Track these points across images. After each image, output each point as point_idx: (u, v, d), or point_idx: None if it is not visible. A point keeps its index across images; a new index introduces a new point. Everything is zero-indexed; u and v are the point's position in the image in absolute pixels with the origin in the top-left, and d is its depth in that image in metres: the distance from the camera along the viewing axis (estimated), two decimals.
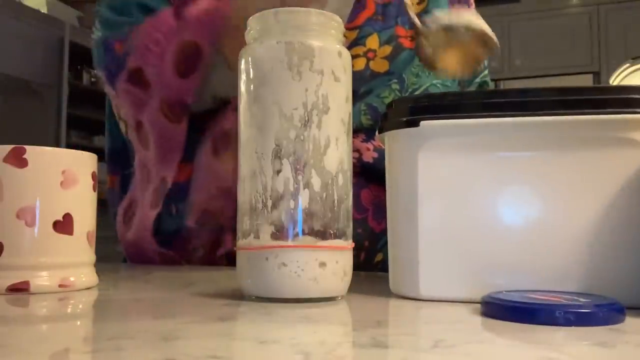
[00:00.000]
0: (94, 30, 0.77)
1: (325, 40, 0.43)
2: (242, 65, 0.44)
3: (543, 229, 0.41)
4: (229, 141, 0.69)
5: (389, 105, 0.46)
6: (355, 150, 0.71)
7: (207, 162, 0.70)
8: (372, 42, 0.75)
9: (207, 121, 0.72)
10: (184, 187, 0.71)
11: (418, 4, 0.79)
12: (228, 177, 0.67)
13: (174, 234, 0.73)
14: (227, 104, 0.71)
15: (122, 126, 0.80)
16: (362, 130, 0.73)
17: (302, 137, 0.41)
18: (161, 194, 0.72)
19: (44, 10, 3.27)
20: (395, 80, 0.74)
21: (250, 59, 0.43)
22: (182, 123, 0.69)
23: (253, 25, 0.44)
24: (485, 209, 0.42)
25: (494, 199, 0.42)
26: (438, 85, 0.77)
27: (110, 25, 0.75)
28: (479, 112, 0.41)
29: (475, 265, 0.42)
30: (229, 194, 0.66)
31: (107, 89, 0.74)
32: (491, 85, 0.91)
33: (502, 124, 0.41)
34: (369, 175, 0.71)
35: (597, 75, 4.03)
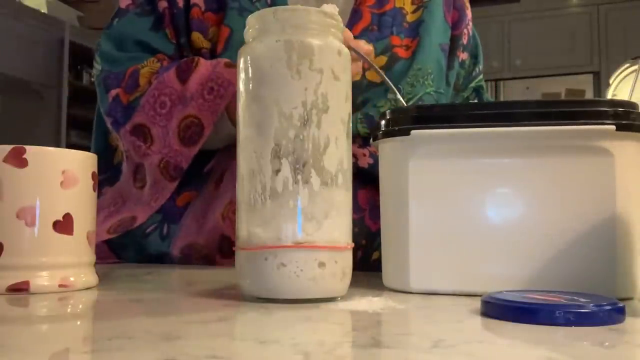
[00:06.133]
0: (94, 64, 0.80)
1: (325, 38, 0.43)
2: (241, 64, 0.44)
3: (523, 228, 0.45)
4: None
5: (382, 116, 0.50)
6: (352, 155, 0.72)
7: (209, 194, 0.74)
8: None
9: (219, 154, 0.76)
10: (181, 211, 0.75)
11: (413, 12, 0.80)
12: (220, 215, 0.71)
13: (156, 259, 0.75)
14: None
15: (113, 140, 0.83)
16: (359, 137, 0.73)
17: (301, 137, 0.41)
18: (124, 228, 0.74)
19: (44, 10, 3.27)
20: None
21: (249, 57, 0.43)
22: (175, 182, 0.73)
23: (252, 24, 0.44)
24: (470, 210, 0.46)
25: (478, 201, 0.46)
26: (432, 93, 0.77)
27: (109, 61, 0.78)
28: (464, 123, 0.46)
29: (460, 261, 0.45)
30: (218, 230, 0.70)
31: (111, 129, 0.78)
32: (490, 88, 0.92)
33: (485, 133, 0.45)
34: (365, 179, 0.72)
35: (597, 75, 4.03)
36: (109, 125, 0.78)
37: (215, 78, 0.70)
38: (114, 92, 0.76)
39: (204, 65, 0.72)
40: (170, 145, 0.72)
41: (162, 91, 0.72)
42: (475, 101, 0.88)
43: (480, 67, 0.89)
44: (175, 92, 0.72)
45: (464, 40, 0.85)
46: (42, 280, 0.45)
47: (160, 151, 0.72)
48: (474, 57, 0.88)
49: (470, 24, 0.87)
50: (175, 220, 0.74)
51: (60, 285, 0.46)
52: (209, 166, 0.76)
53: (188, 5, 0.77)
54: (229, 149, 0.75)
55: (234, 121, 0.71)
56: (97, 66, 0.79)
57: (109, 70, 0.77)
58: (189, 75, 0.72)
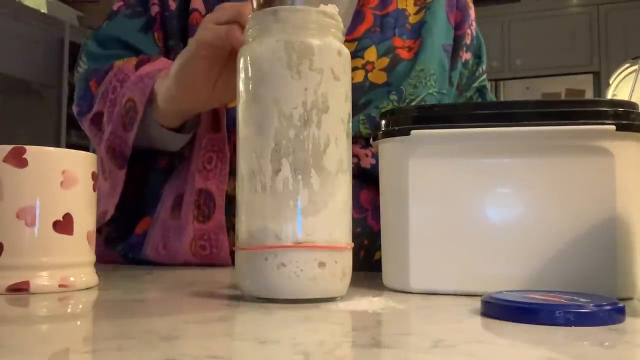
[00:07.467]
0: (80, 63, 0.80)
1: (325, 38, 0.43)
2: (241, 64, 0.44)
3: (523, 228, 0.45)
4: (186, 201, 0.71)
5: (382, 115, 0.50)
6: (354, 155, 0.72)
7: (163, 219, 0.72)
8: (371, 54, 0.76)
9: (169, 178, 0.75)
10: (140, 240, 0.73)
11: (415, 13, 0.80)
12: (178, 240, 0.70)
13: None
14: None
15: None
16: (361, 138, 0.73)
17: (301, 137, 0.41)
18: (98, 223, 0.73)
19: (44, 10, 3.27)
20: (394, 92, 0.75)
21: (249, 57, 0.43)
22: (123, 170, 0.71)
23: (252, 24, 0.44)
24: (470, 210, 0.46)
25: (477, 201, 0.46)
26: (434, 94, 0.77)
27: (94, 58, 0.79)
28: (464, 123, 0.46)
29: (460, 261, 0.45)
30: (179, 254, 0.69)
31: (77, 119, 0.78)
32: (490, 88, 0.91)
33: (486, 133, 0.45)
34: (368, 179, 0.72)
35: (597, 75, 4.03)
36: (76, 116, 0.77)
37: (164, 67, 0.70)
38: (89, 84, 0.76)
39: (164, 60, 0.72)
40: (115, 131, 0.70)
41: (117, 77, 0.72)
42: (478, 101, 0.88)
43: (484, 67, 0.89)
44: (127, 78, 0.71)
45: (467, 41, 0.84)
46: (42, 280, 0.45)
47: (108, 137, 0.71)
48: (478, 57, 0.88)
49: (474, 23, 0.87)
50: (136, 251, 0.73)
51: (60, 285, 0.46)
52: (161, 190, 0.75)
53: (187, 10, 0.76)
54: (181, 173, 0.73)
55: (165, 113, 0.68)
56: (83, 65, 0.80)
57: (94, 68, 0.77)
58: (143, 65, 0.71)
